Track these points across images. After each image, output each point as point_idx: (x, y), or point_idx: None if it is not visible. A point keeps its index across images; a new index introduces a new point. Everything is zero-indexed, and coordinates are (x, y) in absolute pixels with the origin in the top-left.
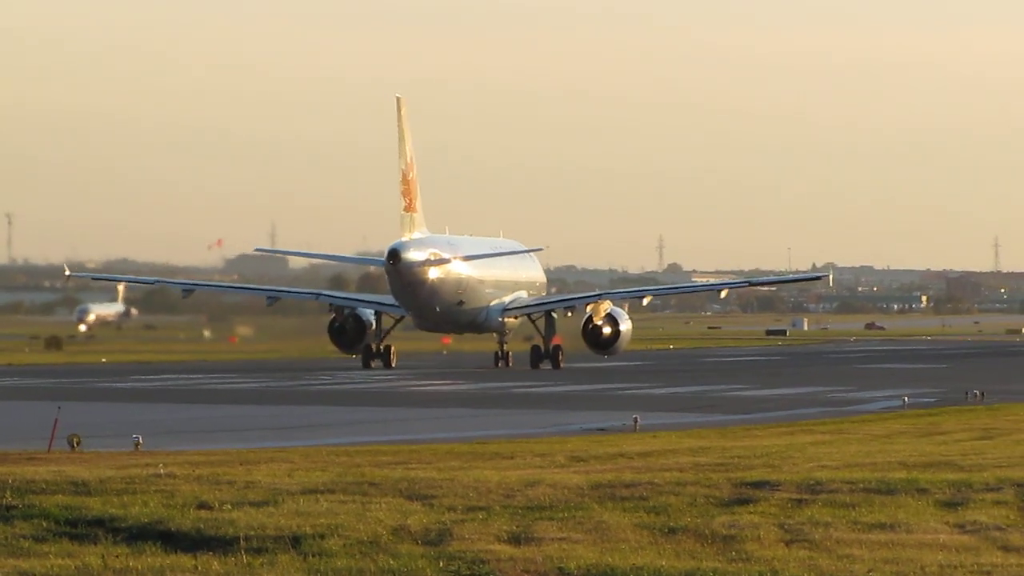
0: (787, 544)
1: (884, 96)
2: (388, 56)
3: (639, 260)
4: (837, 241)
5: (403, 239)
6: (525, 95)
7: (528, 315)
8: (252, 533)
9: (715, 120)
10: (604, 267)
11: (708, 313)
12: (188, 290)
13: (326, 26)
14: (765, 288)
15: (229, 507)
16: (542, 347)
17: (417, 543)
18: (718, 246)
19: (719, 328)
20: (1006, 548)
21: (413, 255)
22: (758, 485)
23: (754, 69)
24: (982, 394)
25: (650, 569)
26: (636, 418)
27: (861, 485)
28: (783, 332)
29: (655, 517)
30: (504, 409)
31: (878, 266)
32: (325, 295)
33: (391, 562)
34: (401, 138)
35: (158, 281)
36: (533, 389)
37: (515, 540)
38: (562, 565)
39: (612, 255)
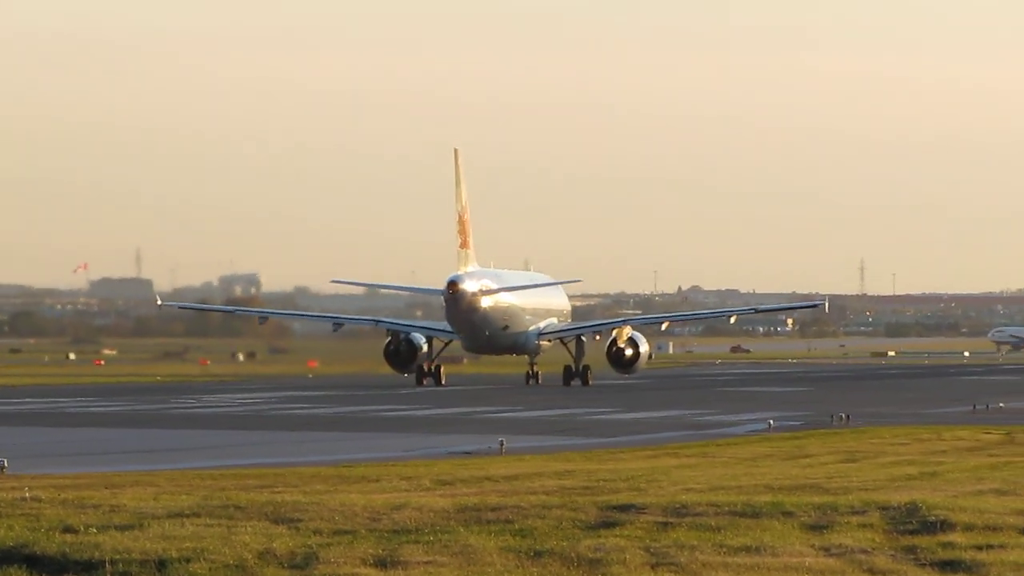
0: (653, 567)
1: (746, 121)
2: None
3: None
4: (702, 264)
5: (460, 272)
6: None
7: (560, 338)
8: (118, 557)
9: (579, 142)
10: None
11: None
12: (264, 318)
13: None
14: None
15: (95, 531)
16: (573, 367)
17: (283, 567)
18: (582, 268)
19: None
20: (871, 571)
21: (468, 286)
22: (624, 508)
23: (607, 89)
24: (847, 417)
25: None
26: (502, 441)
27: (727, 508)
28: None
29: (521, 540)
30: (370, 432)
31: (744, 289)
32: (383, 321)
33: None
34: (457, 184)
35: (237, 310)
36: (401, 412)
37: (381, 564)
38: None
39: None
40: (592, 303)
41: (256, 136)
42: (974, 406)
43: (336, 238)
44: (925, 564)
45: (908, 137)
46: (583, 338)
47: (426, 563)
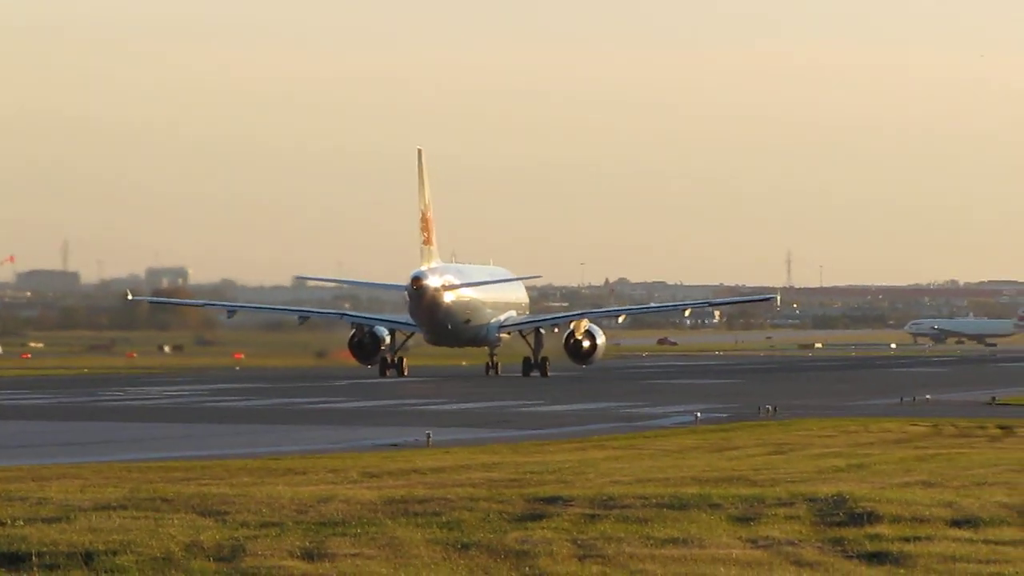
0: (580, 559)
1: (672, 112)
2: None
3: None
4: (629, 257)
5: (423, 267)
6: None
7: (520, 331)
8: (45, 549)
9: (504, 133)
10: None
11: None
12: (232, 311)
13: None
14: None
15: (21, 523)
16: (532, 358)
17: (210, 559)
18: (508, 261)
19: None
20: (799, 563)
21: (432, 281)
22: (551, 500)
23: (531, 79)
24: (774, 409)
25: None
26: (429, 434)
27: (654, 500)
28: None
29: (448, 533)
30: (297, 425)
31: (671, 281)
32: (348, 315)
33: None
34: (421, 184)
35: (207, 304)
36: (328, 405)
37: (308, 556)
38: None
39: (404, 271)
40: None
41: (187, 126)
42: (901, 398)
43: (263, 229)
44: (852, 556)
45: (836, 129)
46: (542, 331)
47: (353, 555)
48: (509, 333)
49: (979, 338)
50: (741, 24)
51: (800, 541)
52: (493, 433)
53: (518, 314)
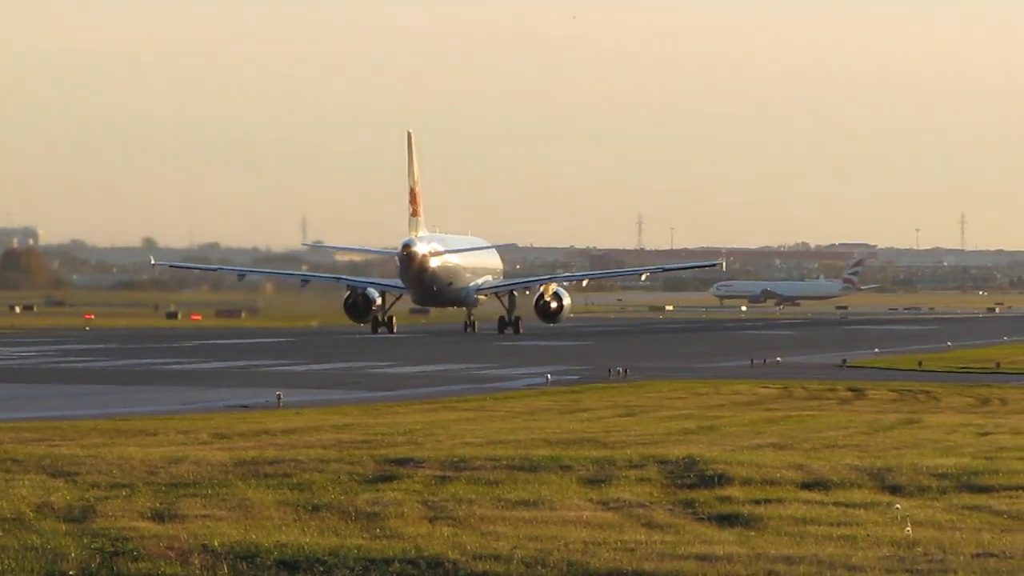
0: (431, 521)
1: (526, 72)
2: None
3: (282, 238)
4: (481, 219)
5: (412, 236)
6: None
7: (496, 293)
8: None
9: (356, 98)
10: (248, 245)
11: None
12: (241, 275)
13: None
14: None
15: None
16: (507, 317)
17: (60, 520)
18: (359, 222)
19: None
20: (649, 525)
21: (420, 248)
22: (402, 462)
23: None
24: (625, 371)
25: (294, 546)
26: (279, 395)
27: (504, 462)
28: (426, 311)
29: (299, 494)
30: (147, 386)
31: (522, 243)
32: (344, 279)
33: (34, 539)
34: (410, 162)
35: (220, 269)
36: (178, 367)
37: (159, 517)
38: (206, 542)
39: (254, 233)
40: (370, 259)
41: (44, 90)
42: (751, 360)
43: (112, 192)
44: (703, 518)
45: (685, 88)
46: (515, 293)
47: (204, 516)
48: (486, 295)
49: (793, 300)
50: None
51: (651, 503)
52: (343, 394)
53: (494, 278)
